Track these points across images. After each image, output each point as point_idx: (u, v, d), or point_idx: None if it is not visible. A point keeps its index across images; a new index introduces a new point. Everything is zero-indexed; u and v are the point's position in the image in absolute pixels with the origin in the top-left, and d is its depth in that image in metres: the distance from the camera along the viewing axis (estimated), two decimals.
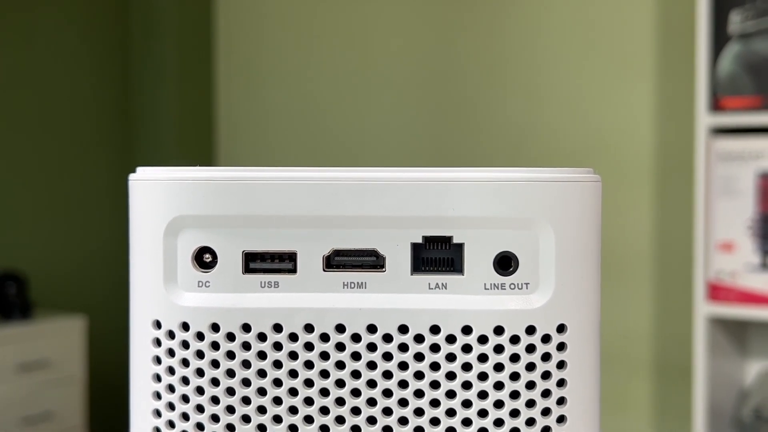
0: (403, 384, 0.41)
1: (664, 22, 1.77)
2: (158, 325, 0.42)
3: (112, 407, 2.44)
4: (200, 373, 0.42)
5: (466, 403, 0.41)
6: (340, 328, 0.41)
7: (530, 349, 0.41)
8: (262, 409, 0.42)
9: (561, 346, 0.42)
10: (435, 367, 0.41)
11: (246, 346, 0.42)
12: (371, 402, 0.42)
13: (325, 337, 0.41)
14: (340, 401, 0.42)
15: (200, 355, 0.42)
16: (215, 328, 0.42)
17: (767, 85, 1.49)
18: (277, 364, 0.42)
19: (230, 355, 0.42)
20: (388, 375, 0.41)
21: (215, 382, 0.42)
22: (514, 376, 0.41)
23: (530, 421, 0.42)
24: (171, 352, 0.42)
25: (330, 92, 2.20)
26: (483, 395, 0.41)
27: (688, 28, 1.69)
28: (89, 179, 2.45)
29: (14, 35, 2.27)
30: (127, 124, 2.54)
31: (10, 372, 1.98)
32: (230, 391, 0.42)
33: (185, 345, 0.42)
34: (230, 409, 0.42)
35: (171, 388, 0.42)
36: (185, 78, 2.50)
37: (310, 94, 2.23)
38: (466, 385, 0.41)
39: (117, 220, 2.50)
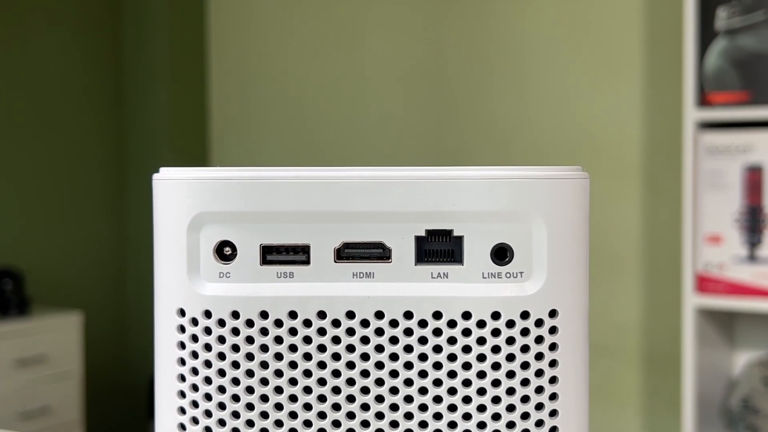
0: (408, 365, 0.45)
1: (651, 19, 1.79)
2: (182, 313, 0.46)
3: (109, 402, 2.47)
4: (222, 356, 0.45)
5: (466, 382, 0.45)
6: (350, 315, 0.45)
7: (524, 332, 0.45)
8: (279, 390, 0.45)
9: (553, 330, 0.45)
10: (437, 349, 0.45)
11: (264, 331, 0.45)
12: (379, 382, 0.45)
13: (336, 323, 0.45)
14: (350, 381, 0.45)
15: (222, 340, 0.45)
16: (235, 315, 0.45)
17: (753, 80, 1.51)
18: (293, 348, 0.45)
19: (249, 340, 0.45)
20: (394, 357, 0.45)
21: (235, 364, 0.45)
22: (510, 357, 0.45)
23: (525, 398, 0.45)
24: (194, 338, 0.46)
25: (320, 91, 2.21)
26: (481, 375, 0.45)
27: (675, 24, 1.71)
28: (84, 176, 2.46)
29: (7, 33, 2.28)
30: (121, 122, 2.55)
31: (7, 367, 2.00)
32: (249, 373, 0.45)
33: (208, 331, 0.45)
34: (250, 390, 0.45)
35: (194, 371, 0.46)
36: (178, 76, 2.52)
37: (301, 92, 2.24)
38: (466, 366, 0.45)
39: (112, 216, 2.53)
